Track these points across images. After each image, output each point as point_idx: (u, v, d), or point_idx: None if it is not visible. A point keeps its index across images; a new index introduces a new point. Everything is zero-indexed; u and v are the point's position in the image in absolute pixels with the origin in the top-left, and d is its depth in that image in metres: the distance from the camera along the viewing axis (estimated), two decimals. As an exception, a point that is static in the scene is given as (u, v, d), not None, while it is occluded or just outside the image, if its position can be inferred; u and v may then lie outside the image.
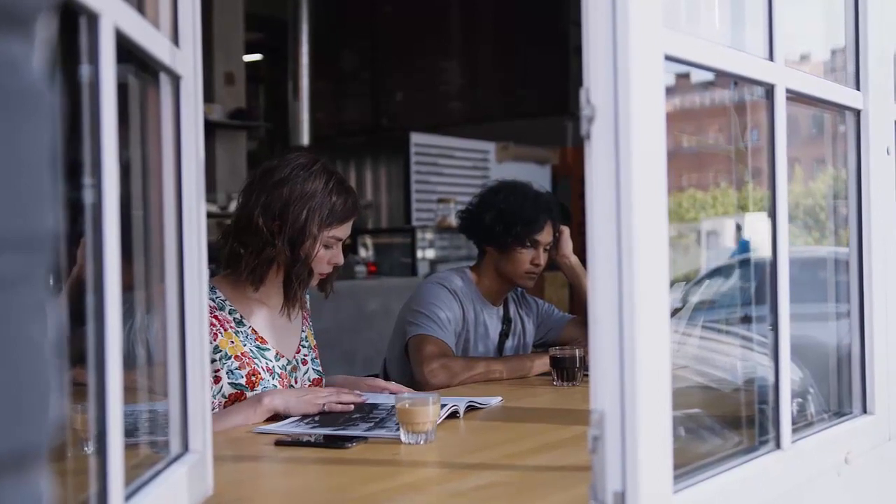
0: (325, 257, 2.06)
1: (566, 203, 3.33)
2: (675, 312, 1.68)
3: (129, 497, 0.94)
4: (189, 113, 1.19)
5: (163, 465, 1.13)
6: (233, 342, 2.01)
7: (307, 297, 2.24)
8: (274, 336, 2.09)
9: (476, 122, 8.76)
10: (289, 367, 2.10)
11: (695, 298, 1.87)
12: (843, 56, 1.64)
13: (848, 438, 1.52)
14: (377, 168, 7.84)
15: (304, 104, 8.52)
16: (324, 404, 1.88)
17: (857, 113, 1.62)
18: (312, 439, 1.68)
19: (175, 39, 1.17)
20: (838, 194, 1.73)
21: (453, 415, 1.88)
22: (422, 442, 1.63)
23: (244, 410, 1.85)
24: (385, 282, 5.97)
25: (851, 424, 1.57)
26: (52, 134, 0.58)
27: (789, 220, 1.36)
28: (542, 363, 2.49)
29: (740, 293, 1.73)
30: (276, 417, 1.86)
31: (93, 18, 0.85)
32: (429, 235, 6.83)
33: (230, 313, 2.04)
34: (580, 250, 1.39)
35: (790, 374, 1.35)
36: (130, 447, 0.98)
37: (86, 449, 1.10)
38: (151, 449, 1.22)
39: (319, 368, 2.20)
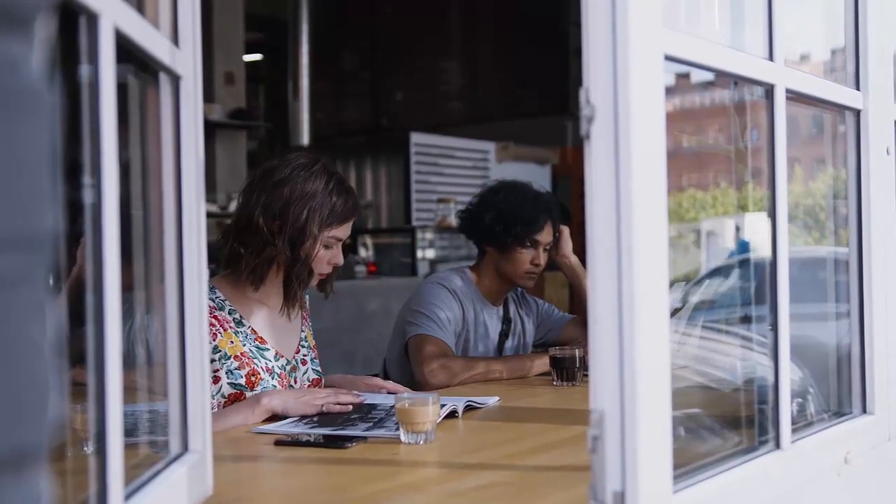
0: (325, 257, 2.06)
1: (566, 203, 3.33)
2: (674, 312, 1.68)
3: (128, 497, 0.94)
4: (189, 113, 1.19)
5: (162, 465, 1.13)
6: (232, 342, 2.01)
7: (306, 296, 2.24)
8: (273, 336, 2.09)
9: (476, 122, 8.76)
10: (288, 367, 2.10)
11: (695, 298, 1.87)
12: (843, 56, 1.64)
13: (848, 438, 1.52)
14: (377, 168, 7.84)
15: (304, 104, 8.52)
16: (322, 405, 1.88)
17: (857, 113, 1.62)
18: (312, 439, 1.68)
19: (175, 39, 1.17)
20: (838, 194, 1.73)
21: (452, 414, 1.88)
22: (421, 442, 1.63)
23: (242, 411, 1.85)
24: (385, 282, 5.97)
25: (851, 424, 1.57)
26: (51, 134, 0.58)
27: (789, 220, 1.36)
28: (541, 363, 2.49)
29: (740, 293, 1.73)
30: (274, 418, 1.86)
31: (92, 18, 0.85)
32: (429, 235, 6.83)
33: (230, 313, 2.04)
34: (580, 250, 1.39)
35: (790, 374, 1.35)
36: (130, 447, 0.98)
37: (85, 449, 1.10)
38: (151, 449, 1.22)
39: (318, 368, 2.20)
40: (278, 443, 1.68)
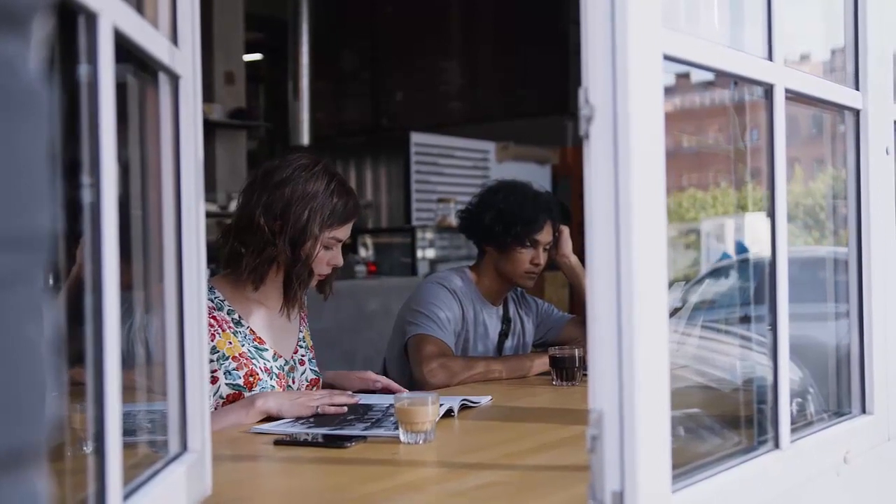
0: (325, 258, 2.06)
1: (566, 203, 3.33)
2: (674, 312, 1.68)
3: (127, 496, 0.94)
4: (188, 113, 1.19)
5: (161, 465, 1.13)
6: (230, 343, 2.01)
7: (304, 297, 2.24)
8: (272, 336, 2.09)
9: (476, 122, 8.76)
10: (286, 368, 2.10)
11: (694, 298, 1.87)
12: (843, 56, 1.64)
13: (847, 438, 1.52)
14: (377, 168, 7.84)
15: (304, 104, 8.52)
16: (317, 406, 1.88)
17: (857, 113, 1.62)
18: (311, 439, 1.68)
19: (174, 39, 1.17)
20: (838, 194, 1.73)
21: (448, 413, 1.89)
22: (421, 441, 1.63)
23: (237, 411, 1.85)
24: (385, 281, 5.97)
25: (850, 424, 1.57)
26: (49, 134, 0.58)
27: (789, 220, 1.36)
28: (541, 363, 2.49)
29: (739, 293, 1.73)
30: (270, 419, 1.86)
31: (91, 18, 0.85)
32: (429, 235, 6.83)
33: (228, 313, 2.04)
34: (580, 250, 1.39)
35: (789, 374, 1.35)
36: (129, 447, 0.98)
37: (84, 448, 1.10)
38: (150, 448, 1.22)
39: (316, 369, 2.20)
40: (277, 442, 1.68)
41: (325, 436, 1.69)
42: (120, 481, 0.88)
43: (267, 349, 2.07)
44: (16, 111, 0.55)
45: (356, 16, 9.77)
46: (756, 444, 1.34)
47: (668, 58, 1.07)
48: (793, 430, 1.36)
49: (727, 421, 1.49)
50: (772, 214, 1.34)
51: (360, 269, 6.02)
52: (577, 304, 3.21)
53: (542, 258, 2.65)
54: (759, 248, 1.46)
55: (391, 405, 1.87)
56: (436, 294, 2.58)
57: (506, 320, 2.76)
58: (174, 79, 1.17)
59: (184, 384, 1.20)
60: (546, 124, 8.08)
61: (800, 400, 1.53)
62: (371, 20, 9.62)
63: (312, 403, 1.88)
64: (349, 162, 7.95)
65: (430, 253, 6.80)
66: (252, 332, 2.05)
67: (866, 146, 1.61)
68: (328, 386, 2.23)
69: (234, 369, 1.99)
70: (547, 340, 2.80)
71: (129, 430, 1.02)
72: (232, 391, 1.98)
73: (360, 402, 1.99)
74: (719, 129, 1.77)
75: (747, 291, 1.59)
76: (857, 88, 1.61)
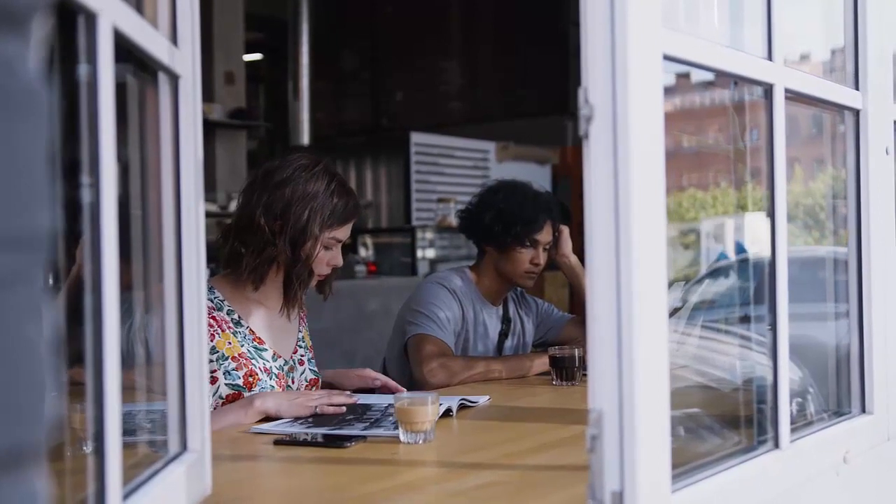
0: (325, 258, 2.06)
1: (566, 203, 3.33)
2: (674, 312, 1.68)
3: (127, 496, 0.94)
4: (188, 112, 1.19)
5: (161, 465, 1.13)
6: (230, 343, 2.01)
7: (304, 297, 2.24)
8: (271, 336, 2.09)
9: (476, 121, 8.76)
10: (286, 368, 2.10)
11: (694, 298, 1.87)
12: (843, 56, 1.64)
13: (847, 438, 1.52)
14: (377, 168, 7.84)
15: (304, 104, 8.52)
16: (315, 406, 1.88)
17: (857, 113, 1.62)
18: (311, 438, 1.68)
19: (174, 39, 1.17)
20: (838, 194, 1.73)
21: (447, 413, 1.89)
22: (421, 441, 1.63)
23: (236, 411, 1.85)
24: (385, 281, 5.97)
25: (850, 424, 1.57)
26: (48, 134, 0.58)
27: (789, 220, 1.36)
28: (541, 363, 2.49)
29: (739, 293, 1.73)
30: (269, 419, 1.86)
31: (91, 18, 0.85)
32: (429, 235, 6.83)
33: (228, 314, 2.04)
34: (580, 250, 1.39)
35: (789, 374, 1.35)
36: (129, 446, 0.98)
37: (84, 448, 1.10)
38: (150, 448, 1.22)
39: (315, 369, 2.20)
40: (277, 442, 1.68)
41: (324, 435, 1.69)
42: (120, 481, 0.89)
43: (266, 349, 2.07)
44: (15, 111, 0.55)
45: (356, 16, 9.77)
46: (756, 444, 1.34)
47: (667, 58, 1.07)
48: (792, 430, 1.36)
49: (727, 421, 1.49)
50: (772, 214, 1.34)
51: (360, 269, 6.02)
52: (577, 304, 3.21)
53: (542, 258, 2.65)
54: (758, 248, 1.46)
55: (390, 405, 1.87)
56: (436, 294, 2.58)
57: (506, 320, 2.76)
58: (174, 79, 1.17)
59: (183, 384, 1.20)
60: (546, 124, 8.08)
61: (800, 400, 1.53)
62: (371, 20, 9.62)
63: (311, 403, 1.88)
64: (349, 162, 7.95)
65: (430, 253, 6.80)
66: (251, 332, 2.05)
67: (866, 146, 1.61)
68: (327, 385, 2.23)
69: (233, 369, 1.99)
70: (547, 340, 2.80)
71: (128, 430, 1.02)
72: (231, 391, 1.98)
73: (359, 401, 1.99)
74: (719, 129, 1.77)
75: (747, 291, 1.59)
76: (857, 88, 1.61)
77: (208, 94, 6.76)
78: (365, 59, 9.78)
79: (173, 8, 1.18)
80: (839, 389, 1.67)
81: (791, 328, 1.34)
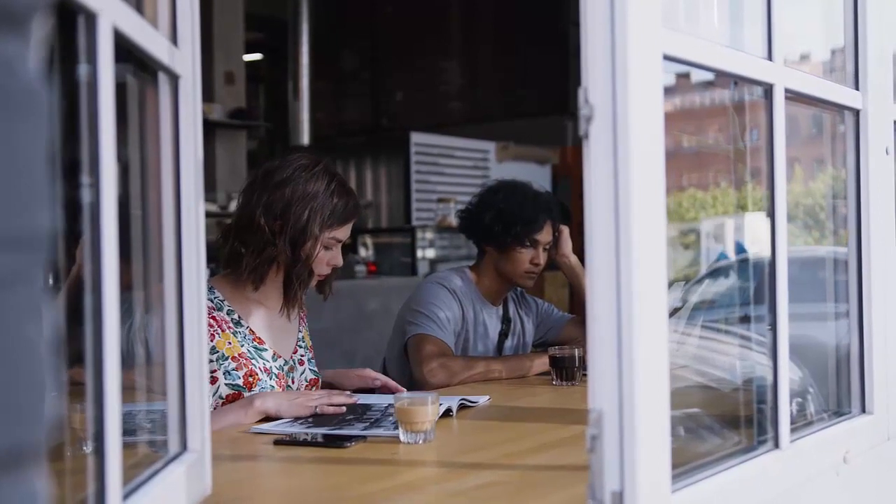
0: (325, 259, 2.07)
1: (566, 203, 3.33)
2: (674, 312, 1.68)
3: (127, 496, 0.94)
4: (188, 112, 1.19)
5: (161, 465, 1.13)
6: (230, 343, 2.01)
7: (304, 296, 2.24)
8: (271, 336, 2.09)
9: (476, 121, 8.76)
10: (286, 368, 2.10)
11: (694, 298, 1.87)
12: (843, 56, 1.64)
13: (847, 438, 1.52)
14: (377, 168, 7.84)
15: (304, 104, 8.52)
16: (315, 406, 1.88)
17: (857, 113, 1.62)
18: (311, 438, 1.68)
19: (173, 39, 1.17)
20: (838, 194, 1.73)
21: (447, 413, 1.89)
22: (421, 441, 1.63)
23: (235, 411, 1.85)
24: (385, 281, 5.97)
25: (850, 424, 1.57)
26: (48, 134, 0.58)
27: (789, 220, 1.36)
28: (541, 363, 2.49)
29: (739, 293, 1.73)
30: (269, 419, 1.86)
31: (91, 18, 0.85)
32: (429, 235, 6.83)
33: (228, 314, 2.04)
34: (580, 250, 1.39)
35: (789, 374, 1.35)
36: (129, 446, 0.98)
37: (84, 448, 1.10)
38: (150, 448, 1.22)
39: (315, 369, 2.20)
40: (277, 442, 1.68)
41: (324, 435, 1.69)
42: (120, 481, 0.89)
43: (266, 349, 2.07)
44: (15, 111, 0.55)
45: (356, 16, 9.77)
46: (756, 444, 1.34)
47: (667, 58, 1.07)
48: (792, 430, 1.36)
49: (727, 421, 1.49)
50: (771, 214, 1.34)
51: (360, 269, 6.02)
52: (577, 304, 3.21)
53: (542, 258, 2.65)
54: (758, 248, 1.46)
55: (390, 405, 1.87)
56: (436, 294, 2.58)
57: (506, 320, 2.76)
58: (174, 79, 1.17)
59: (183, 384, 1.20)
60: (546, 124, 8.08)
61: (800, 400, 1.53)
62: (371, 20, 9.63)
63: (311, 403, 1.88)
64: (349, 162, 7.95)
65: (430, 253, 6.80)
66: (251, 332, 2.06)
67: (866, 146, 1.61)
68: (327, 384, 2.23)
69: (233, 369, 1.99)
70: (547, 340, 2.80)
71: (128, 430, 1.02)
72: (231, 391, 1.98)
73: (359, 401, 1.99)
74: (719, 129, 1.77)
75: (747, 291, 1.59)
76: (857, 88, 1.61)
77: (208, 94, 6.76)
78: (365, 59, 9.78)
79: (173, 8, 1.18)
80: (839, 389, 1.67)
81: (791, 328, 1.34)
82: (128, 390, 1.00)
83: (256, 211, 2.01)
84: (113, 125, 0.87)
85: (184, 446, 1.20)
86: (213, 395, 1.96)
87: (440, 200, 7.07)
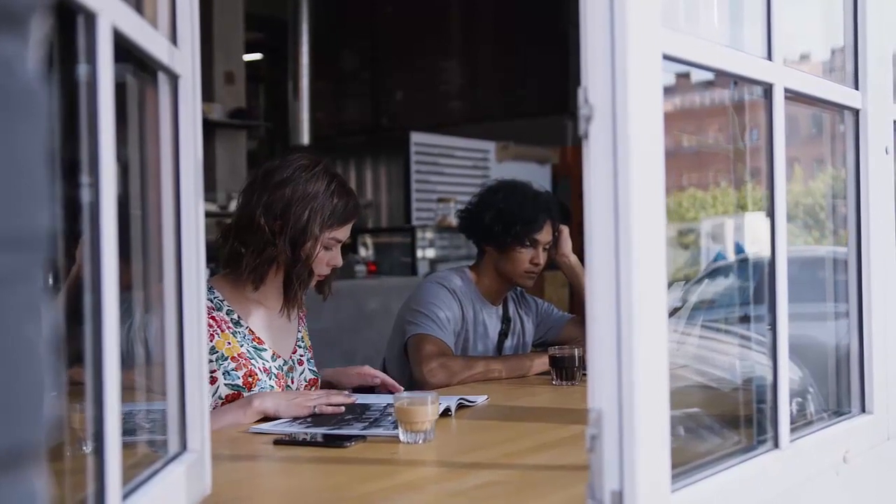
0: (325, 259, 2.07)
1: (566, 203, 3.33)
2: (674, 312, 1.68)
3: (126, 496, 0.94)
4: (187, 112, 1.19)
5: (161, 465, 1.13)
6: (229, 343, 2.01)
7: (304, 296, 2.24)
8: (271, 336, 2.09)
9: (476, 121, 8.76)
10: (285, 368, 2.10)
11: (694, 298, 1.87)
12: (843, 56, 1.64)
13: (846, 438, 1.52)
14: (377, 168, 7.84)
15: (304, 104, 8.52)
16: (314, 406, 1.88)
17: (856, 112, 1.62)
18: (311, 438, 1.68)
19: (173, 39, 1.17)
20: (838, 194, 1.73)
21: (445, 413, 1.89)
22: (420, 441, 1.63)
23: (234, 411, 1.85)
24: (385, 281, 5.97)
25: (850, 424, 1.57)
26: (47, 133, 0.58)
27: (788, 220, 1.36)
28: (541, 362, 2.49)
29: (739, 293, 1.73)
30: (268, 419, 1.86)
31: (90, 18, 0.85)
32: (429, 235, 6.83)
33: (227, 314, 2.04)
34: (580, 249, 1.39)
35: (789, 374, 1.35)
36: (129, 446, 0.98)
37: (84, 448, 1.10)
38: (149, 448, 1.22)
39: (314, 369, 2.21)
40: (277, 442, 1.68)
41: (324, 435, 1.69)
42: (119, 481, 0.89)
43: (266, 349, 2.07)
44: (14, 111, 0.55)
45: (356, 16, 9.77)
46: (755, 444, 1.34)
47: (667, 58, 1.07)
48: (792, 430, 1.36)
49: (727, 420, 1.49)
50: (771, 214, 1.34)
51: (360, 268, 6.02)
52: (577, 304, 3.21)
53: (542, 258, 2.65)
54: (758, 248, 1.46)
55: (389, 404, 1.87)
56: (435, 294, 2.58)
57: (505, 320, 2.76)
58: (173, 79, 1.17)
59: (183, 384, 1.20)
60: (546, 124, 8.08)
61: (799, 399, 1.53)
62: (371, 20, 9.63)
63: (309, 403, 1.88)
64: (349, 162, 7.95)
65: (430, 253, 6.80)
66: (251, 332, 2.06)
67: (866, 146, 1.61)
68: (327, 383, 2.23)
69: (232, 369, 1.99)
70: (547, 340, 2.80)
71: (128, 430, 1.02)
72: (231, 391, 1.98)
73: (358, 401, 1.99)
74: (719, 129, 1.77)
75: (747, 291, 1.59)
76: (857, 88, 1.61)
77: (208, 94, 6.76)
78: (365, 59, 9.78)
79: (173, 8, 1.18)
80: (839, 389, 1.67)
81: (791, 328, 1.34)
82: (127, 390, 1.00)
83: (256, 211, 2.01)
84: (112, 125, 0.87)
85: (183, 446, 1.20)
86: (213, 395, 1.96)
87: (440, 200, 7.07)
